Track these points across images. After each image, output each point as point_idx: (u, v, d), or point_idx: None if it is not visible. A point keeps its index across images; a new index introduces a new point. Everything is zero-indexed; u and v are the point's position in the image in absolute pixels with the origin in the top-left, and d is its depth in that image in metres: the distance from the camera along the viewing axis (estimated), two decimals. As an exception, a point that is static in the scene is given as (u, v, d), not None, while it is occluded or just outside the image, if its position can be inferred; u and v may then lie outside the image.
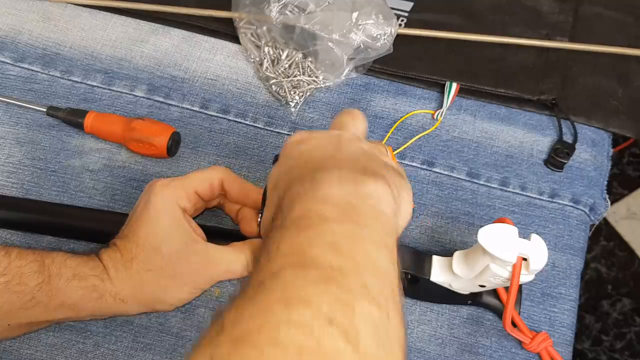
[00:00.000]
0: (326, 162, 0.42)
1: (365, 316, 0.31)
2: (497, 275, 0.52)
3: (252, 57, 0.74)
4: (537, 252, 0.50)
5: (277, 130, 0.71)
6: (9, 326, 0.53)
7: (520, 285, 0.60)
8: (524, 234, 0.52)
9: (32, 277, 0.50)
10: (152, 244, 0.53)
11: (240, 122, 0.71)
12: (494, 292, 0.60)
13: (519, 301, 0.60)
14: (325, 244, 0.34)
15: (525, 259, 0.51)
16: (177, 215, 0.53)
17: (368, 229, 0.37)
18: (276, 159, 0.51)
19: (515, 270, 0.51)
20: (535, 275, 0.53)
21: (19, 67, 0.73)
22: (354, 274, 0.33)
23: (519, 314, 0.60)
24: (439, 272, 0.57)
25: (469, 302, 0.61)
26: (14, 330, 0.54)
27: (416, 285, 0.58)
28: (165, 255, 0.53)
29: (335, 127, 0.49)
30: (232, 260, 0.55)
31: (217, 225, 0.64)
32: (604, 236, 1.47)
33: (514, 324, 0.58)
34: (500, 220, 0.52)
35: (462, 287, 0.57)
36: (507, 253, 0.50)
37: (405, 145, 0.70)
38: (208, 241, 0.56)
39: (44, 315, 0.52)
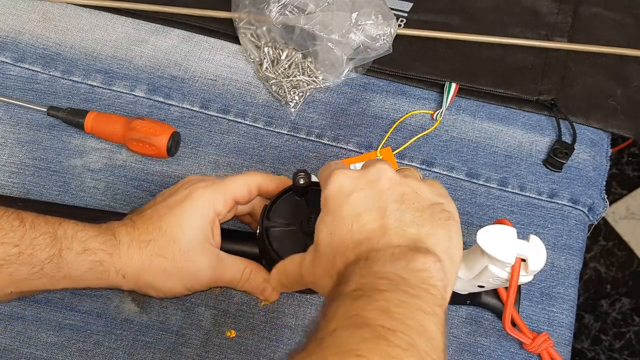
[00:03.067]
0: (375, 236, 0.44)
1: None
2: (496, 276, 0.52)
3: (252, 57, 0.74)
4: (535, 253, 0.51)
5: (276, 130, 0.71)
6: (10, 293, 0.53)
7: (519, 286, 0.61)
8: (523, 234, 0.52)
9: (44, 249, 0.51)
10: (175, 235, 0.54)
11: (240, 122, 0.71)
12: (493, 292, 0.60)
13: (517, 301, 0.60)
14: (378, 309, 0.38)
15: (524, 260, 0.51)
16: (208, 219, 0.55)
17: (418, 298, 0.39)
18: (298, 179, 0.53)
19: (514, 271, 0.51)
20: (534, 275, 0.54)
21: (19, 67, 0.73)
22: (404, 334, 0.36)
23: (518, 313, 0.60)
24: (438, 272, 0.57)
25: (468, 302, 0.61)
26: (12, 297, 0.56)
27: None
28: (183, 250, 0.54)
29: (328, 176, 0.48)
30: (235, 271, 0.57)
31: (231, 228, 0.64)
32: (603, 236, 1.47)
33: (514, 325, 0.59)
34: (499, 222, 0.52)
35: (461, 287, 0.57)
36: (506, 254, 0.50)
37: (404, 146, 0.70)
38: (223, 243, 0.58)
39: (47, 286, 0.53)
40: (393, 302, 0.38)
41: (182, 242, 0.54)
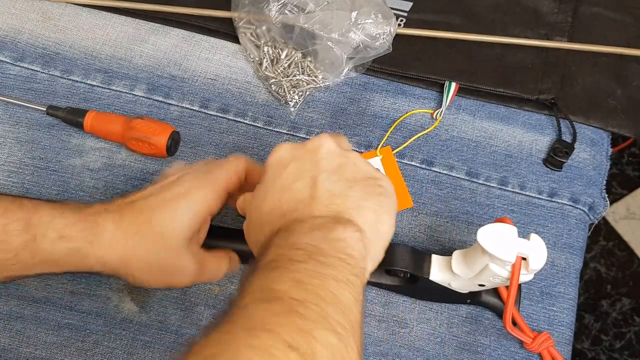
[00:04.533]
0: (301, 206, 0.45)
1: (324, 343, 0.35)
2: (496, 275, 0.52)
3: (252, 56, 0.74)
4: (536, 251, 0.50)
5: (276, 130, 0.71)
6: None
7: (520, 284, 0.61)
8: (523, 233, 0.52)
9: (17, 235, 0.50)
10: (164, 232, 0.53)
11: (240, 122, 0.71)
12: (494, 291, 0.60)
13: (518, 300, 0.60)
14: (290, 281, 0.38)
15: (524, 259, 0.51)
16: (200, 219, 0.54)
17: (333, 267, 0.40)
18: None
19: (515, 269, 0.51)
20: (535, 274, 0.54)
21: (19, 66, 0.73)
22: (316, 305, 0.36)
23: (519, 313, 0.60)
24: (438, 271, 0.57)
25: (468, 301, 0.61)
26: None
27: (415, 284, 0.59)
28: (169, 248, 0.53)
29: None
30: (213, 270, 0.57)
31: (219, 224, 0.64)
32: (603, 236, 1.47)
33: (514, 324, 0.59)
34: (500, 220, 0.52)
35: (461, 286, 0.57)
36: (507, 253, 0.50)
37: (404, 145, 0.70)
38: (212, 240, 0.58)
39: (23, 271, 0.52)
40: (306, 273, 0.39)
41: (170, 240, 0.53)
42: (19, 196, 0.53)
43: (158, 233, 0.53)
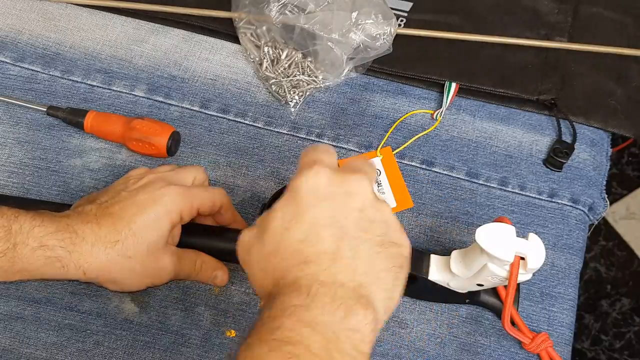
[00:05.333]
0: (324, 261, 0.42)
1: None
2: (494, 275, 0.52)
3: (252, 56, 0.74)
4: (534, 251, 0.51)
5: (276, 130, 0.71)
6: None
7: (519, 285, 0.61)
8: (523, 234, 0.52)
9: None
10: (144, 237, 0.55)
11: (240, 122, 0.71)
12: (493, 291, 0.60)
13: (517, 300, 0.60)
14: None
15: (522, 258, 0.51)
16: (174, 223, 0.57)
17: None
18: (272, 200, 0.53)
19: (513, 269, 0.51)
20: (534, 274, 0.54)
21: (19, 66, 0.73)
22: None
23: (517, 312, 0.60)
24: (437, 271, 0.57)
25: (467, 301, 0.61)
26: None
27: (414, 284, 0.59)
28: (150, 250, 0.55)
29: (309, 164, 0.45)
30: (190, 265, 0.59)
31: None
32: (603, 236, 1.47)
33: (513, 324, 0.59)
34: (499, 220, 0.52)
35: (460, 286, 0.57)
36: (505, 252, 0.50)
37: (404, 145, 0.70)
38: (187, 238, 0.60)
39: (3, 278, 0.53)
40: None
41: (150, 243, 0.55)
42: None
43: (138, 239, 0.55)
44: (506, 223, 0.51)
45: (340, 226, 0.43)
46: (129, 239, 0.54)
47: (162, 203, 0.55)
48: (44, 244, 0.52)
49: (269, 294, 0.43)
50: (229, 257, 0.61)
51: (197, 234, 0.61)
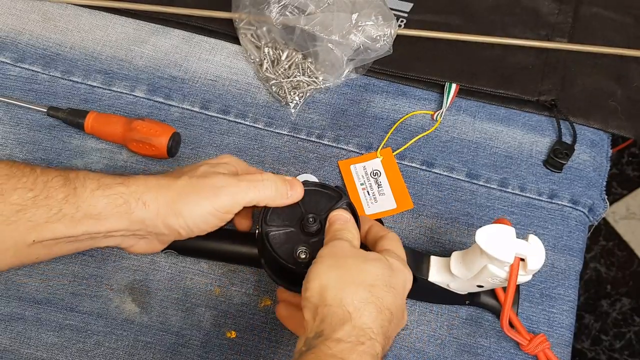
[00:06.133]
0: (369, 334, 0.46)
1: None
2: (494, 276, 0.52)
3: (252, 57, 0.74)
4: (534, 252, 0.51)
5: (277, 131, 0.71)
6: (33, 243, 0.52)
7: (519, 286, 0.61)
8: (523, 235, 0.52)
9: (58, 190, 0.52)
10: (193, 167, 0.56)
11: (240, 123, 0.71)
12: (492, 293, 0.60)
13: (517, 301, 0.60)
14: None
15: (522, 260, 0.51)
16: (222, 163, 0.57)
17: None
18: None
19: (513, 270, 0.51)
20: (534, 275, 0.54)
21: (19, 67, 0.73)
22: None
23: (517, 314, 0.60)
24: (437, 272, 0.57)
25: (467, 302, 0.61)
26: (34, 251, 0.54)
27: (414, 285, 0.59)
28: (200, 174, 0.55)
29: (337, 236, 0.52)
30: (248, 190, 0.55)
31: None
32: (603, 236, 1.47)
33: (512, 325, 0.59)
34: (499, 221, 0.52)
35: (460, 287, 0.57)
36: (505, 253, 0.50)
37: (404, 146, 0.70)
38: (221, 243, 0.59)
39: (68, 228, 0.52)
40: None
41: (198, 170, 0.55)
42: None
43: (186, 169, 0.56)
44: (506, 224, 0.52)
45: (389, 310, 0.49)
46: (175, 172, 0.56)
47: (217, 178, 0.55)
48: (102, 183, 0.53)
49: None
50: (235, 259, 0.61)
51: (202, 237, 0.60)
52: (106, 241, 0.56)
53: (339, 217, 0.53)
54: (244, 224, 0.60)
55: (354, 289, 0.46)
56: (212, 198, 0.53)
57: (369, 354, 0.44)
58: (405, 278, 0.50)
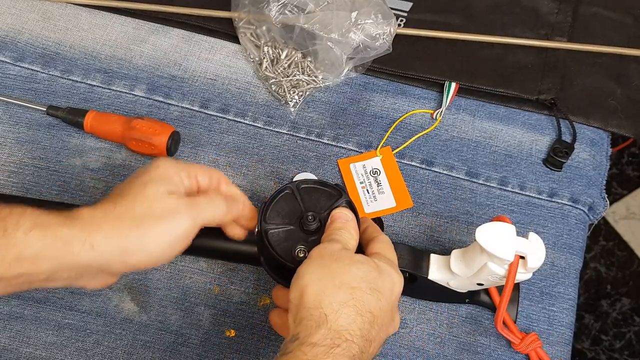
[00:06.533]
0: (358, 338, 0.46)
1: None
2: (494, 274, 0.52)
3: (252, 56, 0.74)
4: (534, 250, 0.50)
5: (276, 130, 0.71)
6: None
7: (518, 284, 0.61)
8: (523, 233, 0.52)
9: None
10: (143, 190, 0.50)
11: (240, 122, 0.71)
12: (492, 291, 0.60)
13: (516, 300, 0.60)
14: None
15: (522, 257, 0.51)
16: (173, 181, 0.52)
17: None
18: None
19: (512, 269, 0.51)
20: (534, 274, 0.54)
21: (19, 66, 0.73)
22: None
23: (517, 312, 0.60)
24: (437, 270, 0.57)
25: (467, 300, 0.61)
26: None
27: (414, 283, 0.59)
28: (151, 200, 0.49)
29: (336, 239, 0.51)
30: (215, 207, 0.52)
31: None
32: (603, 236, 1.47)
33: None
34: (498, 219, 0.52)
35: (460, 285, 0.57)
36: (505, 251, 0.50)
37: (404, 145, 0.70)
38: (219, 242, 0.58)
39: (2, 272, 0.46)
40: None
41: (150, 195, 0.49)
42: None
43: (135, 193, 0.50)
44: (505, 222, 0.51)
45: (372, 314, 0.48)
46: (127, 198, 0.49)
47: (153, 167, 0.51)
48: (39, 222, 0.46)
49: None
50: (234, 258, 0.61)
51: (201, 235, 0.60)
52: (51, 284, 0.49)
53: (341, 215, 0.53)
54: (237, 233, 0.57)
55: (334, 291, 0.46)
56: (170, 224, 0.49)
57: (345, 356, 0.44)
58: (393, 281, 0.49)
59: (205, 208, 0.51)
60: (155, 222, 0.49)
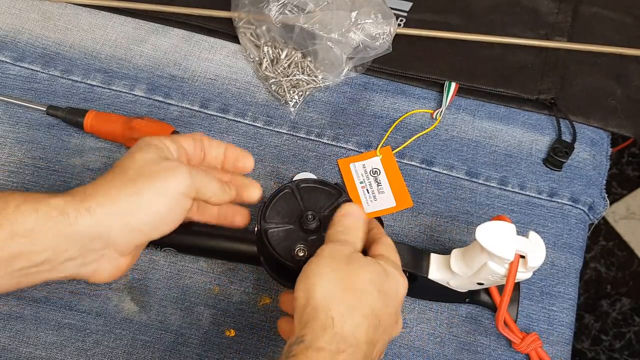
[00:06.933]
0: (360, 343, 0.45)
1: None
2: (495, 273, 0.52)
3: (252, 56, 0.74)
4: (535, 249, 0.50)
5: (276, 130, 0.71)
6: None
7: (519, 284, 0.61)
8: (523, 233, 0.52)
9: None
10: (128, 160, 0.48)
11: (240, 122, 0.71)
12: (493, 291, 0.60)
13: (516, 299, 0.60)
14: None
15: (523, 257, 0.51)
16: (159, 148, 0.50)
17: None
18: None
19: (512, 268, 0.51)
20: (534, 273, 0.54)
21: (19, 66, 0.73)
22: None
23: (518, 312, 0.60)
24: (437, 269, 0.57)
25: (467, 300, 0.61)
26: None
27: (414, 283, 0.59)
28: (142, 162, 0.48)
29: (344, 238, 0.50)
30: (203, 174, 0.51)
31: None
32: (603, 236, 1.47)
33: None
34: (498, 218, 0.52)
35: (460, 285, 0.57)
36: (505, 250, 0.50)
37: (404, 145, 0.70)
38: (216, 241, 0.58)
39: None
40: None
41: (147, 159, 0.48)
42: None
43: (126, 161, 0.48)
44: (505, 221, 0.51)
45: (377, 315, 0.48)
46: (118, 166, 0.48)
47: (142, 140, 0.50)
48: (28, 198, 0.44)
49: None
50: (234, 258, 0.61)
51: (201, 234, 0.60)
52: (55, 273, 0.47)
53: (353, 212, 0.51)
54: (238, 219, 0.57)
55: (343, 295, 0.45)
56: (167, 181, 0.47)
57: None
58: (398, 284, 0.49)
59: (200, 172, 0.50)
60: (151, 179, 0.47)
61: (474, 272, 0.53)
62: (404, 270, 0.57)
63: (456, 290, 0.58)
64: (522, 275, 0.52)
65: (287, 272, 0.54)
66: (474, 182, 0.69)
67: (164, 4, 0.76)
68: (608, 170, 0.73)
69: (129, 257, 0.50)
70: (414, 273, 0.57)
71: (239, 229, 0.60)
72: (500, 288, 0.57)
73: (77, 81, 0.73)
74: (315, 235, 0.54)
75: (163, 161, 0.49)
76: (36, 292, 0.62)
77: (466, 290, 0.58)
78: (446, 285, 0.58)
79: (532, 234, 0.51)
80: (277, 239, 0.54)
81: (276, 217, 0.55)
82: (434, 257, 0.57)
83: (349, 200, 0.55)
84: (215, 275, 0.63)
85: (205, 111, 0.72)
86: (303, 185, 0.56)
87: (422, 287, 0.59)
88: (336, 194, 0.56)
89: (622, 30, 0.78)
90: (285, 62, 0.72)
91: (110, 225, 0.46)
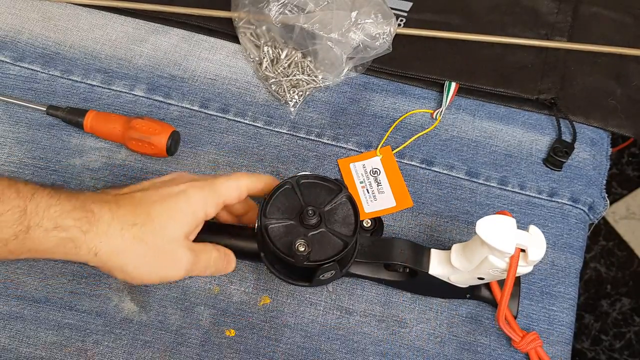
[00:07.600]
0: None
1: None
2: (495, 267, 0.52)
3: (252, 56, 0.74)
4: (535, 243, 0.50)
5: (276, 130, 0.71)
6: None
7: (519, 279, 0.61)
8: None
9: (10, 225, 0.48)
10: (163, 224, 0.53)
11: (240, 122, 0.71)
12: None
13: (517, 295, 0.60)
14: None
15: (523, 250, 0.51)
16: (197, 219, 0.55)
17: None
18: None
19: (513, 262, 0.51)
20: (534, 273, 0.54)
21: (19, 66, 0.73)
22: None
23: (518, 310, 0.60)
24: (438, 265, 0.57)
25: (468, 295, 0.61)
26: None
27: (415, 279, 0.59)
28: (167, 240, 0.53)
29: None
30: (205, 260, 0.56)
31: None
32: (603, 236, 1.47)
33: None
34: (500, 214, 0.52)
35: (461, 280, 0.57)
36: (506, 244, 0.50)
37: (404, 145, 0.70)
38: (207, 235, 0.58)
39: (8, 257, 0.50)
40: None
41: (168, 232, 0.53)
42: (15, 179, 0.50)
43: (157, 225, 0.52)
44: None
45: None
46: (147, 225, 0.52)
47: (186, 197, 0.54)
48: (59, 224, 0.49)
49: None
50: (235, 254, 0.61)
51: (202, 231, 0.60)
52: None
53: None
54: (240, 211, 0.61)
55: None
56: (162, 271, 0.54)
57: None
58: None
59: (201, 267, 0.56)
60: (156, 262, 0.53)
61: (475, 267, 0.53)
62: (404, 266, 0.58)
63: (457, 286, 0.58)
64: (523, 269, 0.52)
65: (287, 267, 0.54)
66: (474, 182, 0.69)
67: (164, 4, 0.76)
68: (608, 170, 0.73)
69: None
70: (415, 269, 0.57)
71: (239, 225, 0.60)
72: (501, 283, 0.57)
73: (77, 81, 0.73)
74: (316, 230, 0.54)
75: (181, 248, 0.54)
76: (36, 292, 0.62)
77: (467, 286, 0.58)
78: (447, 280, 0.58)
79: (533, 228, 0.51)
80: (278, 235, 0.54)
81: (276, 212, 0.55)
82: (434, 252, 0.57)
83: (349, 196, 0.56)
84: (215, 275, 0.63)
85: (205, 111, 0.72)
86: (303, 180, 0.56)
87: (422, 283, 0.59)
88: (336, 189, 0.56)
89: (622, 30, 0.78)
90: (285, 62, 0.72)
91: (95, 264, 0.52)
